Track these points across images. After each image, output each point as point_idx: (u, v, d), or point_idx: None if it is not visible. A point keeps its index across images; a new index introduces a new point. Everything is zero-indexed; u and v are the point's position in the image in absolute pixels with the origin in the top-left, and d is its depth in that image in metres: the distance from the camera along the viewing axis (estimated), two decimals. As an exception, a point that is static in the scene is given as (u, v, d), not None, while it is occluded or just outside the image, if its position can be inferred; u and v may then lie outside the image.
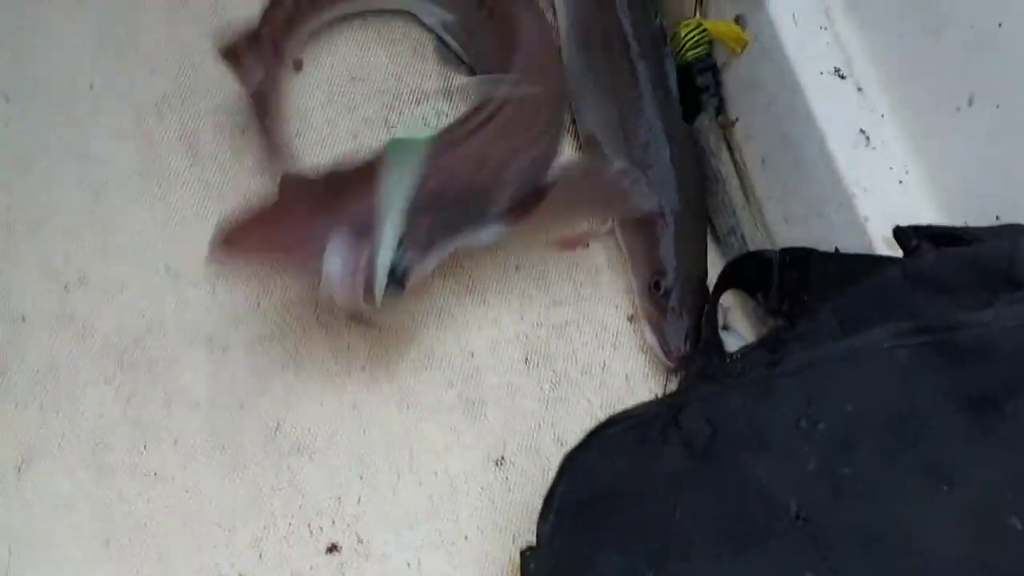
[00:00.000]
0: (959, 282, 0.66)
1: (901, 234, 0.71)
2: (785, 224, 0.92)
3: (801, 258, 0.84)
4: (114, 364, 0.85)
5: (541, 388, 0.90)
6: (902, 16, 0.83)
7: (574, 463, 0.74)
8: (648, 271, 0.91)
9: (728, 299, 0.94)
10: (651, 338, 0.90)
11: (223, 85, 0.98)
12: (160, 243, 0.91)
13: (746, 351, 0.79)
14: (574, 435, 0.85)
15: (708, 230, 0.98)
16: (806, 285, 0.82)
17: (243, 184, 0.95)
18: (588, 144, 0.99)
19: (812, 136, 0.85)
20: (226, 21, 1.00)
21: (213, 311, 0.89)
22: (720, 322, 0.91)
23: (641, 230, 0.93)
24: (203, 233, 0.89)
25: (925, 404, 0.63)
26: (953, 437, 0.59)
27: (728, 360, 0.80)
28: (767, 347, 0.74)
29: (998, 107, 0.74)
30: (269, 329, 0.89)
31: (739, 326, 0.95)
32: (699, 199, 0.97)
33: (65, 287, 0.88)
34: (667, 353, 0.88)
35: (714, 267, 0.95)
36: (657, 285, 0.89)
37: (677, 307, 0.88)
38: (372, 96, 1.01)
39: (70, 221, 0.91)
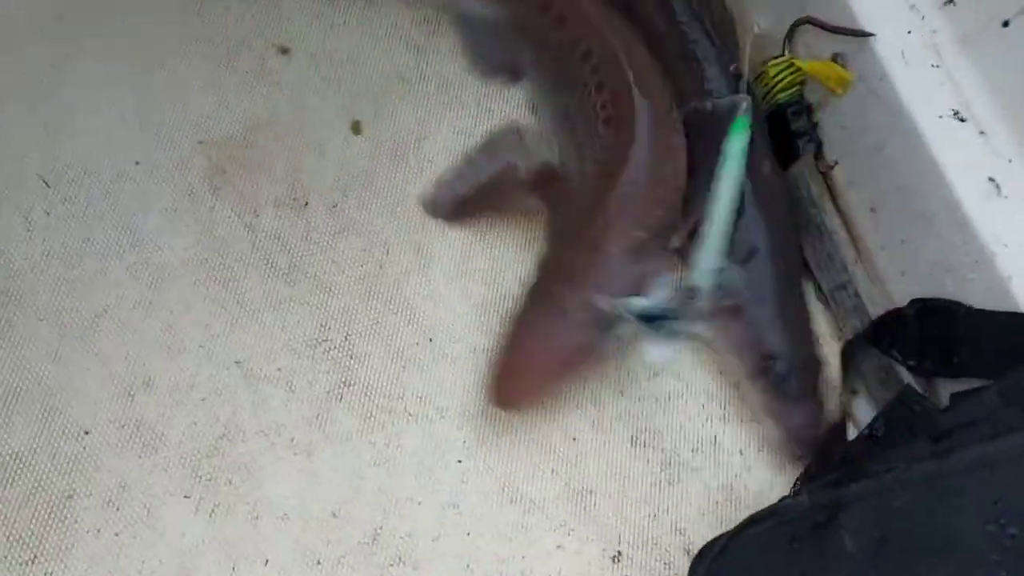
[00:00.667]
0: None
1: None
2: (902, 278, 0.85)
3: (943, 312, 0.78)
4: (191, 476, 0.78)
5: (651, 470, 0.83)
6: (1021, 49, 0.77)
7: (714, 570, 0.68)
8: (754, 355, 0.83)
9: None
10: (775, 430, 0.82)
11: (278, 155, 0.91)
12: (228, 336, 0.83)
13: (896, 438, 0.73)
14: (694, 522, 0.79)
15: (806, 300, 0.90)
16: (953, 343, 0.76)
17: (312, 263, 0.87)
18: None
19: (934, 185, 0.79)
20: (273, 90, 0.93)
21: (293, 409, 0.81)
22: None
23: (735, 314, 0.84)
24: (275, 321, 0.84)
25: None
26: None
27: (875, 444, 0.74)
28: (926, 434, 0.67)
29: None
30: (355, 424, 0.81)
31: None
32: (795, 261, 0.89)
33: (129, 393, 0.80)
34: (800, 443, 0.80)
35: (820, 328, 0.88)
36: (768, 370, 0.81)
37: (800, 390, 0.80)
38: (439, 155, 0.94)
39: (127, 317, 0.83)
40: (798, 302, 0.87)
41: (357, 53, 0.97)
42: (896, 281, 0.86)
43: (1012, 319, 0.72)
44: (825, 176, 0.92)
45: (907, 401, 0.75)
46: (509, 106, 0.97)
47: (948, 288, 0.80)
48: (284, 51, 0.97)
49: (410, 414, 0.82)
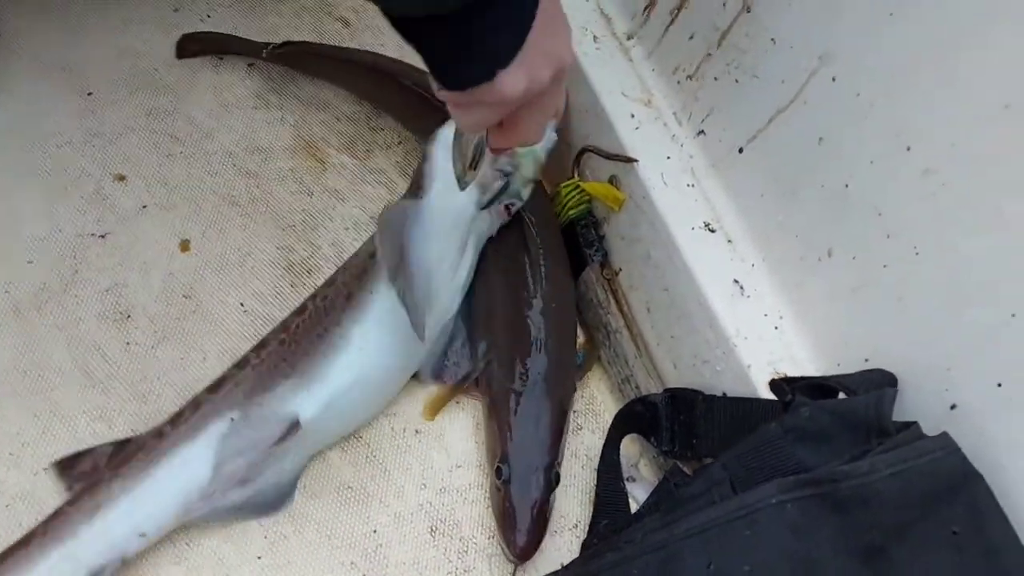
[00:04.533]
0: (835, 433, 0.69)
1: (776, 387, 0.74)
2: (675, 370, 0.95)
3: (688, 401, 0.87)
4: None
5: (448, 559, 0.88)
6: (761, 176, 0.89)
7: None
8: (494, 452, 0.89)
9: (633, 449, 0.95)
10: (499, 530, 0.86)
11: (105, 272, 0.97)
12: (39, 444, 0.87)
13: (643, 511, 0.80)
14: (486, 608, 0.83)
15: (566, 406, 0.94)
16: (694, 428, 0.84)
17: (129, 372, 0.92)
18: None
19: (690, 287, 0.90)
20: (106, 213, 1.00)
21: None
22: (625, 473, 0.92)
23: (492, 409, 0.92)
24: (87, 428, 0.88)
25: (820, 556, 0.65)
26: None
27: (635, 519, 0.81)
28: (663, 507, 0.75)
29: (854, 259, 0.79)
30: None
31: (647, 474, 0.96)
32: (556, 372, 0.93)
33: (-66, 496, 0.83)
34: (510, 546, 0.85)
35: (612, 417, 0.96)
36: (499, 472, 0.87)
37: (518, 499, 0.85)
38: (264, 268, 1.01)
39: (-61, 427, 0.86)
40: (545, 414, 0.91)
41: (190, 179, 1.06)
42: (669, 373, 0.95)
43: (735, 403, 0.81)
44: (611, 281, 1.02)
45: (670, 480, 0.83)
46: (335, 223, 1.06)
47: (706, 377, 0.89)
48: (121, 178, 1.04)
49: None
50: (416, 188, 0.94)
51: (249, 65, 1.16)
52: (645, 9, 1.03)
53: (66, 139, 1.06)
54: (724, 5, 0.91)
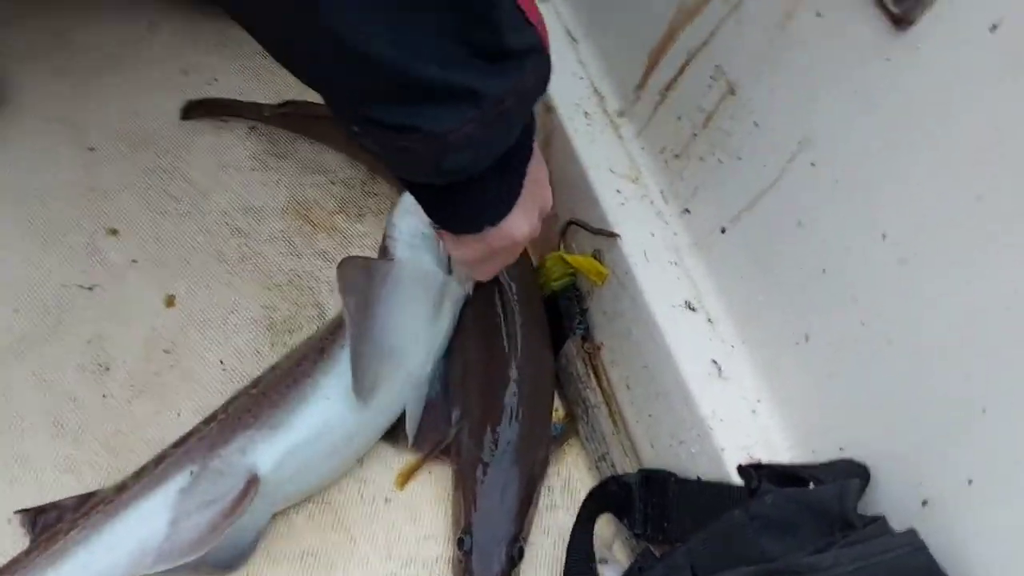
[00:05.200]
0: (800, 522, 0.67)
1: (744, 473, 0.73)
2: (652, 450, 0.93)
3: (660, 482, 0.85)
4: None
5: (411, 633, 0.86)
6: (742, 256, 0.90)
7: None
8: (458, 523, 0.87)
9: (609, 530, 0.93)
10: None
11: (87, 324, 0.98)
12: (4, 493, 0.86)
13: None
14: None
15: (536, 478, 0.92)
16: (665, 510, 0.83)
17: (102, 425, 0.92)
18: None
19: (668, 366, 0.89)
20: (95, 265, 1.01)
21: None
22: (597, 554, 0.90)
23: (459, 478, 0.91)
24: (54, 480, 0.87)
25: (782, 653, 0.62)
26: None
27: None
28: (629, 594, 0.73)
29: (830, 345, 0.78)
30: None
31: (620, 556, 0.93)
32: (526, 443, 0.92)
33: None
34: None
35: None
36: (461, 542, 0.85)
37: (479, 572, 0.83)
38: (245, 326, 1.02)
39: (-96, 472, 0.86)
40: (512, 486, 0.89)
41: (182, 236, 1.07)
42: (646, 452, 0.94)
43: (707, 487, 0.79)
44: (592, 356, 1.01)
45: (637, 564, 0.81)
46: (320, 284, 1.07)
47: (682, 459, 0.88)
48: (113, 232, 1.06)
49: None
50: (384, 253, 0.94)
51: (251, 128, 1.19)
52: (636, 89, 1.05)
53: (63, 192, 1.08)
54: (710, 87, 0.92)
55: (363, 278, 0.87)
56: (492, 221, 0.70)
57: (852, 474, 0.69)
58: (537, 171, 0.73)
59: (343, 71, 0.55)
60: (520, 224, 0.72)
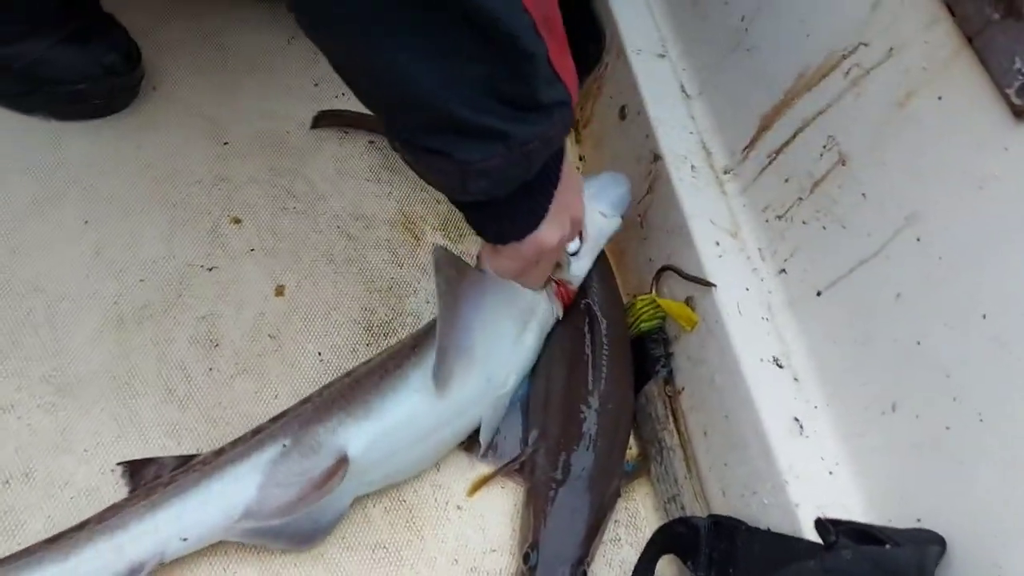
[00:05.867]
0: (875, 583, 0.68)
1: (821, 527, 0.74)
2: (723, 497, 0.95)
3: (730, 529, 0.87)
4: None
5: (471, 639, 0.88)
6: (836, 321, 0.92)
7: None
8: (525, 539, 0.90)
9: (670, 571, 0.95)
10: None
11: (205, 301, 1.05)
12: (112, 446, 0.92)
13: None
14: None
15: (606, 508, 0.95)
16: (733, 558, 0.84)
17: (205, 397, 0.98)
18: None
19: (749, 418, 0.91)
20: (217, 249, 1.08)
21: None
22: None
23: (530, 495, 0.94)
24: (157, 440, 0.93)
25: None
26: None
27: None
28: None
29: (917, 418, 0.80)
30: (201, 547, 0.88)
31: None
32: (600, 472, 0.95)
33: (6, 481, 0.88)
34: None
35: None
36: (526, 558, 0.88)
37: None
38: (344, 325, 1.07)
39: (29, 416, 0.93)
40: (583, 508, 0.92)
41: (297, 232, 1.14)
42: (717, 498, 0.95)
43: (777, 539, 0.81)
44: (672, 399, 1.04)
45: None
46: (418, 296, 1.12)
47: (753, 509, 0.89)
48: (237, 221, 1.13)
49: (255, 547, 0.89)
50: (478, 265, 0.99)
51: (370, 142, 1.26)
52: (745, 149, 1.08)
53: (197, 179, 1.16)
54: (821, 156, 0.96)
55: (456, 272, 0.92)
56: (521, 234, 0.78)
57: (930, 542, 0.70)
58: (568, 181, 0.79)
59: (395, 101, 0.64)
60: (551, 233, 0.79)
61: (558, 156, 0.76)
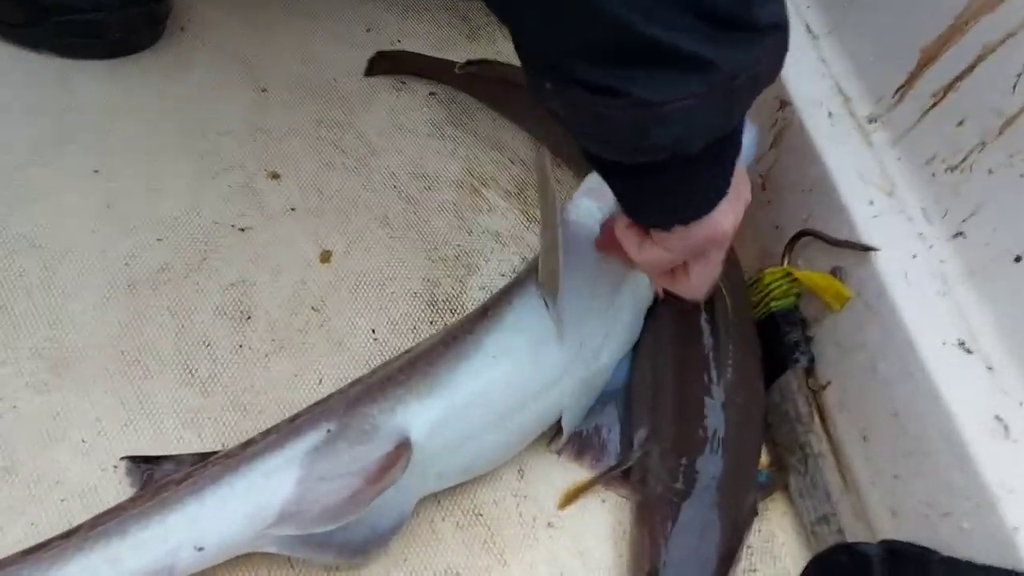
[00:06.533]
0: None
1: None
2: (893, 518, 0.73)
3: (917, 561, 0.66)
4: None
5: None
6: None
7: None
8: (640, 567, 0.71)
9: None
10: None
11: (234, 265, 0.86)
12: (117, 436, 0.73)
13: None
14: None
15: (741, 528, 0.75)
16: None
17: (234, 379, 0.79)
18: None
19: (935, 417, 0.70)
20: (251, 207, 0.90)
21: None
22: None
23: (644, 512, 0.74)
24: (173, 431, 0.74)
25: None
26: None
27: None
28: None
29: None
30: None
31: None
32: (733, 482, 0.76)
33: (-17, 473, 0.69)
34: None
35: (797, 563, 0.75)
36: None
37: None
38: (402, 298, 0.88)
39: (13, 396, 0.74)
40: (725, 531, 0.73)
41: (345, 191, 0.95)
42: (885, 520, 0.74)
43: (989, 573, 0.60)
44: (816, 394, 0.83)
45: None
46: (489, 266, 0.93)
47: (942, 534, 0.68)
48: (275, 176, 0.95)
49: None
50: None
51: (430, 93, 1.08)
52: (898, 91, 0.88)
53: (229, 128, 0.98)
54: (1013, 89, 0.75)
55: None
56: (697, 213, 0.57)
57: None
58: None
59: (552, 12, 0.45)
60: (726, 217, 0.59)
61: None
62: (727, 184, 0.57)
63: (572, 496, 0.78)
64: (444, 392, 0.70)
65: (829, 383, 0.82)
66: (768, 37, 0.49)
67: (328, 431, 0.67)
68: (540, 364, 0.74)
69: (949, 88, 0.82)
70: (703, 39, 0.46)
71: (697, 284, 0.65)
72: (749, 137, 0.87)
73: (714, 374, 0.79)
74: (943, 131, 0.82)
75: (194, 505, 0.64)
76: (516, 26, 0.50)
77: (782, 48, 0.51)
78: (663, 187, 0.56)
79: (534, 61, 0.51)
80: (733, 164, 0.57)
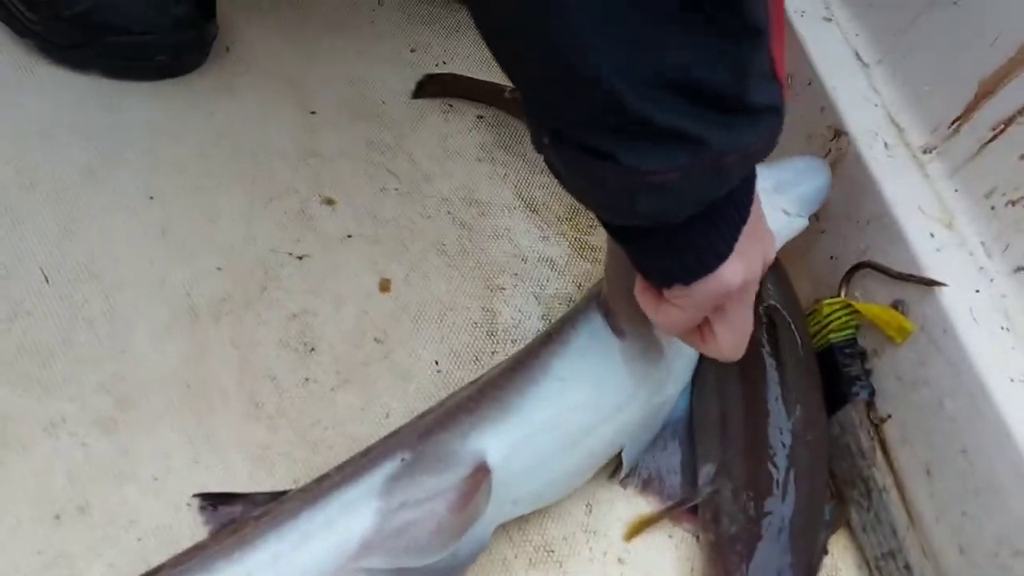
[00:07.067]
0: None
1: None
2: (961, 556, 0.74)
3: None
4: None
5: None
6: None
7: None
8: None
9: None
10: None
11: (296, 296, 0.86)
12: (186, 473, 0.73)
13: None
14: None
15: (814, 569, 0.76)
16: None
17: (302, 414, 0.79)
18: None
19: (1006, 454, 0.70)
20: (307, 233, 0.90)
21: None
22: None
23: (717, 553, 0.74)
24: (242, 468, 0.74)
25: None
26: None
27: None
28: None
29: None
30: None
31: None
32: (806, 522, 0.75)
33: (57, 516, 0.68)
34: None
35: (863, 600, 0.76)
36: None
37: None
38: (463, 329, 0.88)
39: (83, 432, 0.73)
40: (802, 570, 0.73)
41: (402, 217, 0.95)
42: (953, 558, 0.74)
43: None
44: (878, 428, 0.83)
45: None
46: (547, 293, 0.93)
47: (1014, 573, 0.69)
48: (329, 202, 0.94)
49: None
50: None
51: (478, 117, 1.07)
52: (954, 122, 0.89)
53: (279, 151, 0.97)
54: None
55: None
56: (694, 275, 0.57)
57: None
58: (759, 208, 0.60)
59: (554, 78, 0.46)
60: (734, 272, 0.57)
61: (752, 177, 0.57)
62: (729, 248, 0.56)
63: (639, 527, 0.78)
64: (515, 417, 0.70)
65: (889, 416, 0.83)
66: (763, 119, 0.50)
67: (403, 460, 0.67)
68: (607, 388, 0.75)
69: (1010, 121, 0.83)
70: (696, 118, 0.47)
71: (724, 343, 0.64)
72: (821, 180, 0.88)
73: (784, 409, 0.79)
74: (1003, 165, 0.83)
75: (274, 541, 0.64)
76: (515, 79, 0.51)
77: (777, 129, 0.52)
78: (657, 249, 0.57)
79: (533, 115, 0.52)
80: (737, 226, 0.57)
